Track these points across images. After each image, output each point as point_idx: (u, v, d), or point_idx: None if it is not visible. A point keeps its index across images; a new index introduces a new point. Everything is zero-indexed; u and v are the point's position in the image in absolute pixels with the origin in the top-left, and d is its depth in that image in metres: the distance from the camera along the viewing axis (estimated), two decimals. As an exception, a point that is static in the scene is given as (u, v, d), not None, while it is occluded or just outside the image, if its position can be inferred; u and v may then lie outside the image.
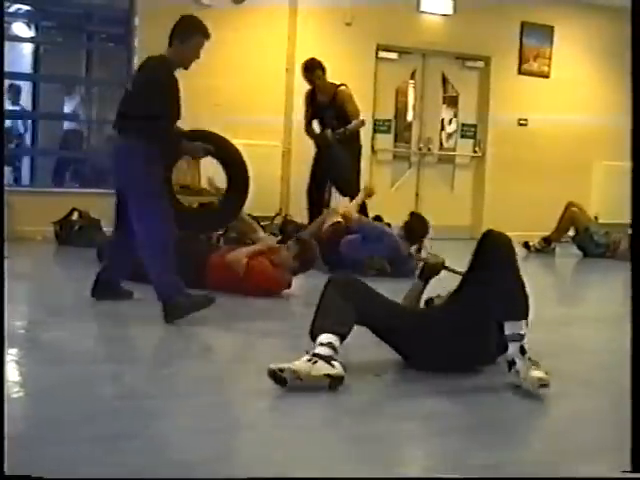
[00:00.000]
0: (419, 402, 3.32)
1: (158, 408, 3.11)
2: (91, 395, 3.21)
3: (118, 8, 9.22)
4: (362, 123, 8.26)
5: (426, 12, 10.12)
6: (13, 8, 9.55)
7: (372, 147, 10.03)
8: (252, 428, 2.95)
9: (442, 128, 10.81)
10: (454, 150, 10.89)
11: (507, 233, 3.68)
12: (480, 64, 10.72)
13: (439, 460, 2.73)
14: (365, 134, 9.91)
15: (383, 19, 9.73)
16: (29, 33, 10.22)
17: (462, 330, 3.58)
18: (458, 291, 3.74)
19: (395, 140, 10.48)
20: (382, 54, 10.06)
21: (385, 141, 10.30)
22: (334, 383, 3.28)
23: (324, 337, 3.37)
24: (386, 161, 10.28)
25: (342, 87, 8.17)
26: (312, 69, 8.11)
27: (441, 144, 10.81)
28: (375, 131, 10.12)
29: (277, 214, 9.26)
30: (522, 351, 3.41)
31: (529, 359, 3.40)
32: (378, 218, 8.60)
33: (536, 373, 3.35)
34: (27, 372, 3.55)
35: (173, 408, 3.10)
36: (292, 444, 2.78)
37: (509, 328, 3.44)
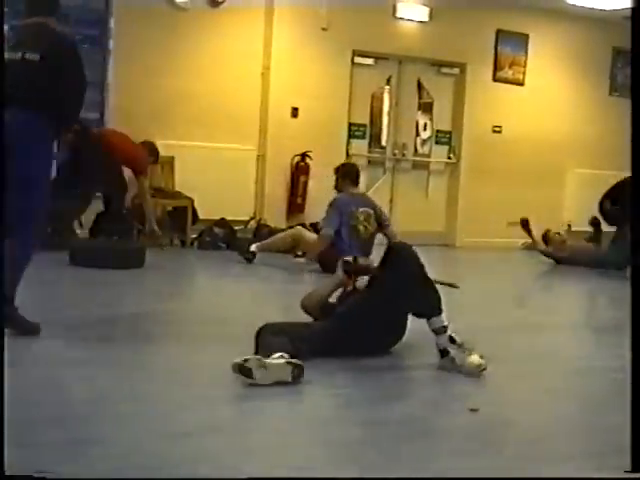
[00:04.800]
0: (385, 408, 3.32)
1: (127, 412, 3.08)
2: (60, 398, 3.18)
3: (93, 9, 9.15)
4: None
5: (402, 19, 10.16)
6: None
7: (347, 152, 10.05)
8: (222, 432, 2.94)
9: (417, 134, 10.85)
10: (429, 156, 10.92)
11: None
12: (455, 71, 10.77)
13: (406, 465, 2.73)
14: (339, 139, 9.97)
15: (359, 25, 9.75)
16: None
17: (384, 318, 3.83)
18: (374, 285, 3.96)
19: (370, 145, 10.50)
20: (358, 59, 10.08)
21: (360, 146, 10.32)
22: (297, 370, 3.38)
23: (276, 354, 3.45)
24: (360, 166, 10.25)
25: None
26: None
27: (416, 150, 10.84)
28: (350, 136, 10.14)
29: (251, 218, 9.27)
30: (452, 340, 3.65)
31: (461, 346, 3.61)
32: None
33: (473, 358, 3.55)
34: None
35: (142, 412, 3.08)
36: (262, 448, 2.77)
37: (433, 323, 3.69)
